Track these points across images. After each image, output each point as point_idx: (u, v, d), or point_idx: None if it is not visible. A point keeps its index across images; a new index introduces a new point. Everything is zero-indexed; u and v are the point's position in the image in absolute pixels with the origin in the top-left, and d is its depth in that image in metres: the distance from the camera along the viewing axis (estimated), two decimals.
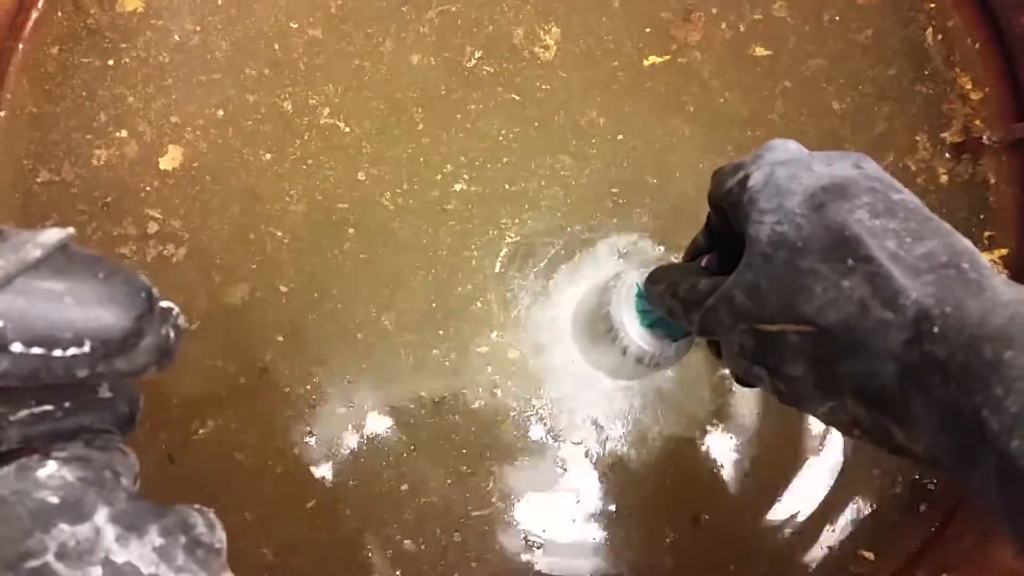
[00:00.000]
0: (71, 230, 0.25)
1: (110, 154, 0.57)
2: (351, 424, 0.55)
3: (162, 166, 0.57)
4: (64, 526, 0.24)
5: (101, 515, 0.24)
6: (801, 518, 0.56)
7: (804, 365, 0.33)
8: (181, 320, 0.28)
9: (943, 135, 0.61)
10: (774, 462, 0.56)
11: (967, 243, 0.32)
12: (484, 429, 0.56)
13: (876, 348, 0.30)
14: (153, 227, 0.56)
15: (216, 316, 0.55)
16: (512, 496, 0.55)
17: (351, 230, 0.57)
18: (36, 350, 0.23)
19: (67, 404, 0.27)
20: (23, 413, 0.26)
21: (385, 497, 0.54)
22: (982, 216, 0.60)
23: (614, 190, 0.59)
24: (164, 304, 0.28)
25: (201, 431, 0.54)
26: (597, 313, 0.51)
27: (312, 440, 0.54)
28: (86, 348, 0.24)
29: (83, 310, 0.24)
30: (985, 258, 0.31)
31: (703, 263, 0.43)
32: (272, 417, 0.54)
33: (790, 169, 0.36)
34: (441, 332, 0.56)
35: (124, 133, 0.58)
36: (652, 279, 0.45)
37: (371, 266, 0.57)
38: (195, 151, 0.57)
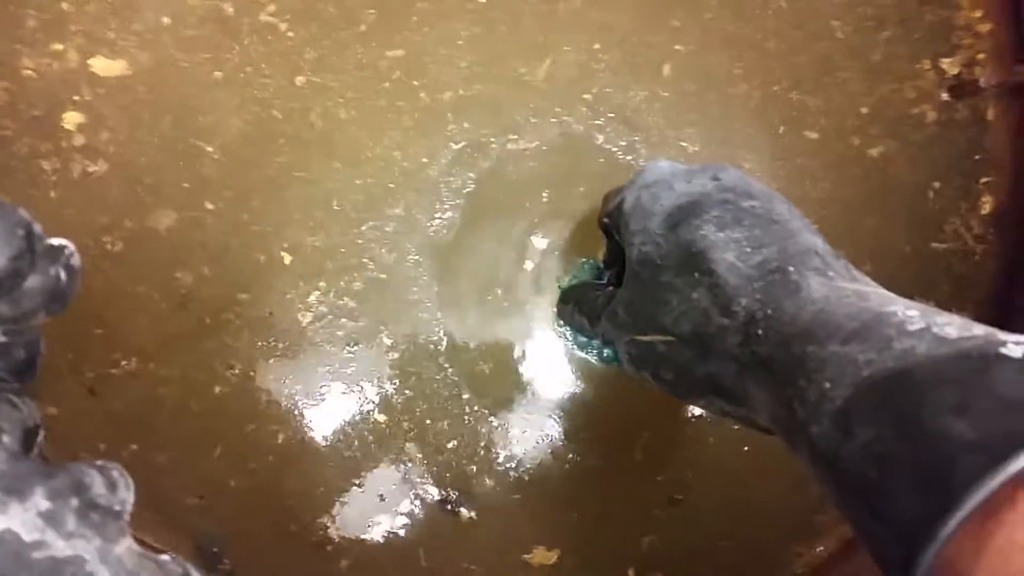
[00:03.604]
0: None
1: (39, 64, 0.52)
2: (273, 360, 0.52)
3: (95, 76, 0.53)
4: None
5: None
6: (777, 494, 0.55)
7: (673, 370, 0.36)
8: (75, 260, 0.25)
9: (945, 67, 0.57)
10: (748, 438, 0.55)
11: (810, 242, 0.35)
12: (419, 375, 0.54)
13: (719, 351, 0.34)
14: (79, 140, 0.52)
15: (140, 238, 0.51)
16: (459, 462, 0.54)
17: (286, 144, 0.53)
18: None
19: None
20: None
21: (307, 441, 0.53)
22: (978, 156, 0.57)
23: (586, 96, 0.55)
24: (54, 242, 0.24)
25: (123, 363, 0.51)
26: None
27: (235, 376, 0.52)
28: None
29: None
30: (828, 253, 0.35)
31: (606, 279, 0.48)
32: (195, 349, 0.52)
33: (653, 190, 0.39)
34: (369, 261, 0.53)
35: (55, 42, 0.53)
36: (562, 299, 0.50)
37: (305, 185, 0.53)
38: (129, 59, 0.53)
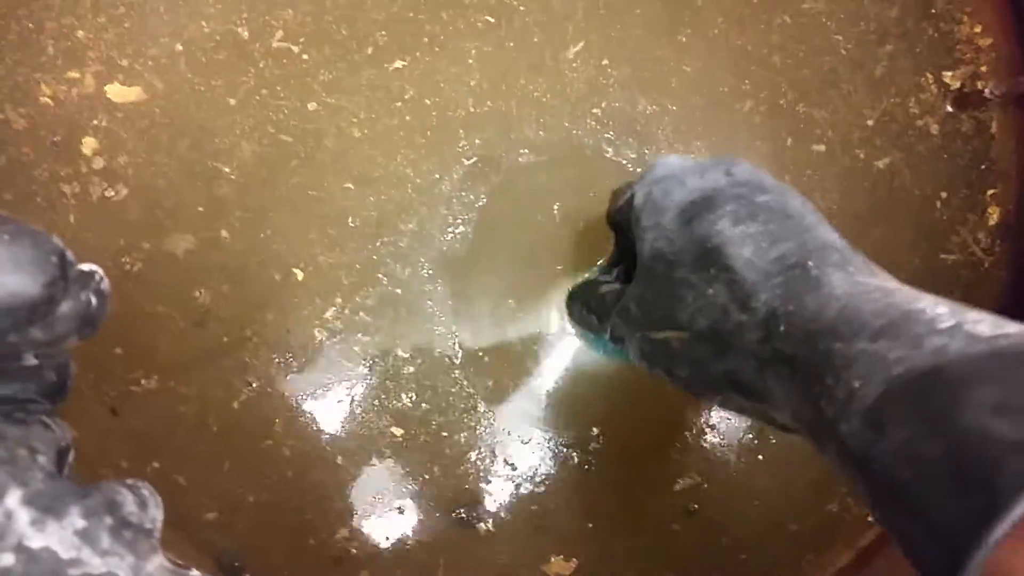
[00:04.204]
0: None
1: (58, 90, 0.54)
2: (290, 376, 0.53)
3: (112, 101, 0.54)
4: None
5: (13, 497, 0.22)
6: (792, 504, 0.55)
7: (688, 367, 0.36)
8: (105, 285, 0.26)
9: (947, 80, 0.57)
10: (763, 448, 0.55)
11: (827, 237, 0.34)
12: (434, 388, 0.54)
13: (738, 348, 0.33)
14: (98, 164, 0.53)
15: (159, 259, 0.52)
16: (476, 475, 0.54)
17: (301, 165, 0.54)
18: None
19: None
20: None
21: (324, 456, 0.53)
22: (983, 167, 0.57)
23: (595, 111, 0.56)
24: (84, 268, 0.25)
25: (144, 381, 0.52)
26: None
27: (253, 393, 0.53)
28: None
29: None
30: (846, 248, 0.34)
31: (614, 275, 0.47)
32: (214, 367, 0.52)
33: (665, 186, 0.38)
34: (384, 276, 0.54)
35: (73, 68, 0.54)
36: (570, 297, 0.48)
37: (320, 204, 0.54)
38: (146, 85, 0.54)
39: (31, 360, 0.26)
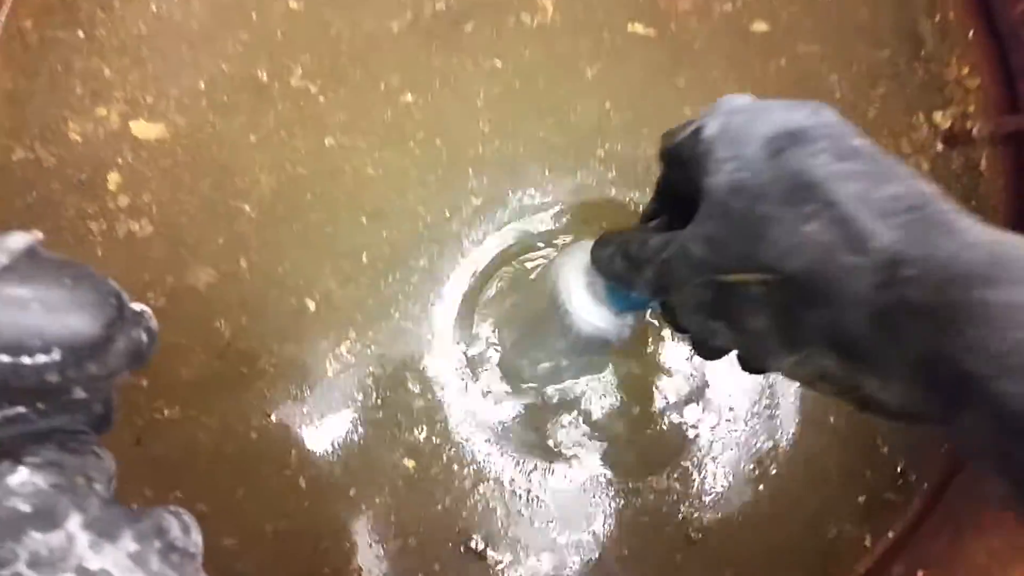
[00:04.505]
0: (38, 234, 0.24)
1: (85, 129, 0.56)
2: (306, 408, 0.55)
3: (137, 139, 0.56)
4: (36, 534, 0.24)
5: (74, 522, 0.24)
6: (791, 536, 0.57)
7: (767, 316, 0.32)
8: (153, 323, 0.27)
9: (937, 120, 0.60)
10: (764, 478, 0.57)
11: (931, 186, 0.31)
12: (445, 421, 0.56)
13: (845, 294, 0.30)
14: (124, 201, 0.55)
15: (182, 293, 0.54)
16: (485, 505, 0.56)
17: (316, 201, 0.56)
18: (4, 358, 0.23)
19: (40, 406, 0.26)
20: None
21: (339, 486, 0.55)
22: (973, 203, 0.59)
23: (599, 152, 0.58)
24: (136, 307, 0.27)
25: (166, 411, 0.53)
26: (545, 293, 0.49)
27: (271, 424, 0.54)
28: (55, 355, 0.24)
29: (51, 317, 0.23)
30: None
31: (651, 227, 0.42)
32: (233, 398, 0.54)
33: (747, 116, 0.35)
34: (395, 311, 0.56)
35: (100, 107, 0.56)
36: (600, 243, 0.43)
37: (335, 240, 0.56)
38: (169, 124, 0.56)
39: (80, 394, 0.28)
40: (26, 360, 0.23)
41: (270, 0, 0.57)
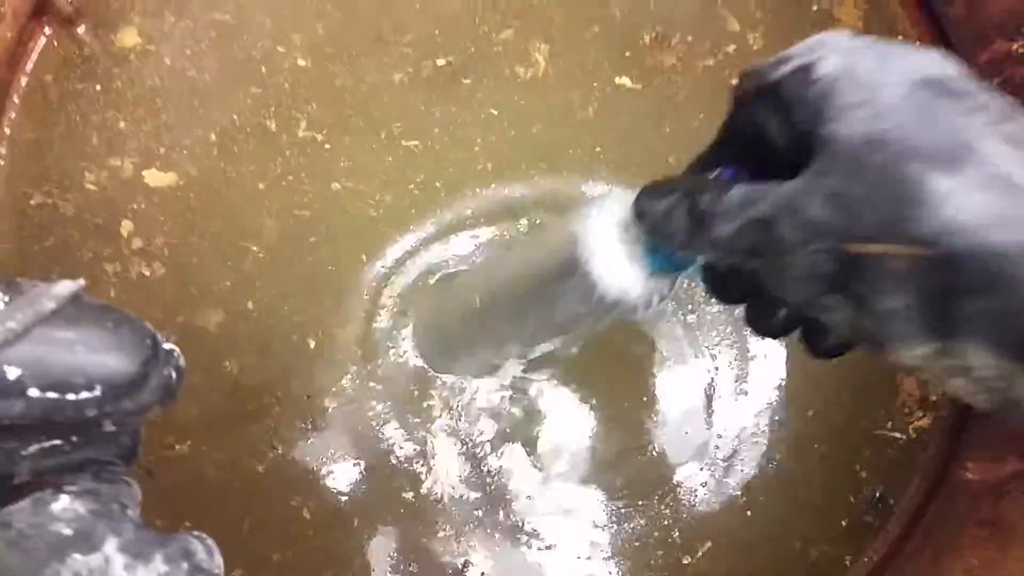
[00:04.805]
0: (81, 282, 0.27)
1: (101, 177, 0.59)
2: (311, 441, 0.57)
3: (150, 186, 0.59)
4: (77, 556, 0.26)
5: (110, 545, 0.26)
6: (779, 562, 0.59)
7: (908, 297, 0.27)
8: (182, 361, 0.30)
9: None
10: (752, 505, 0.59)
11: None
12: (445, 451, 0.58)
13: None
14: (137, 244, 0.58)
15: (192, 332, 0.57)
16: (484, 533, 0.58)
17: (321, 242, 0.59)
18: (51, 394, 0.25)
19: (74, 439, 0.29)
20: (34, 448, 0.28)
21: (343, 517, 0.57)
22: None
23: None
24: (167, 347, 0.30)
25: (177, 447, 0.56)
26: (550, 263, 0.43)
27: (277, 457, 0.57)
28: (96, 392, 0.26)
29: (94, 357, 0.26)
30: None
31: (726, 175, 0.36)
32: (241, 432, 0.56)
33: (876, 56, 0.30)
34: (392, 345, 0.59)
35: (115, 156, 0.59)
36: (651, 193, 0.36)
37: (338, 279, 0.59)
38: (182, 172, 0.59)
39: (110, 427, 0.30)
40: (70, 396, 0.26)
41: (278, 55, 0.60)
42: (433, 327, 0.59)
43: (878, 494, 0.58)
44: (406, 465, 0.57)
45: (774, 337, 0.36)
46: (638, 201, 0.36)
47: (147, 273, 0.57)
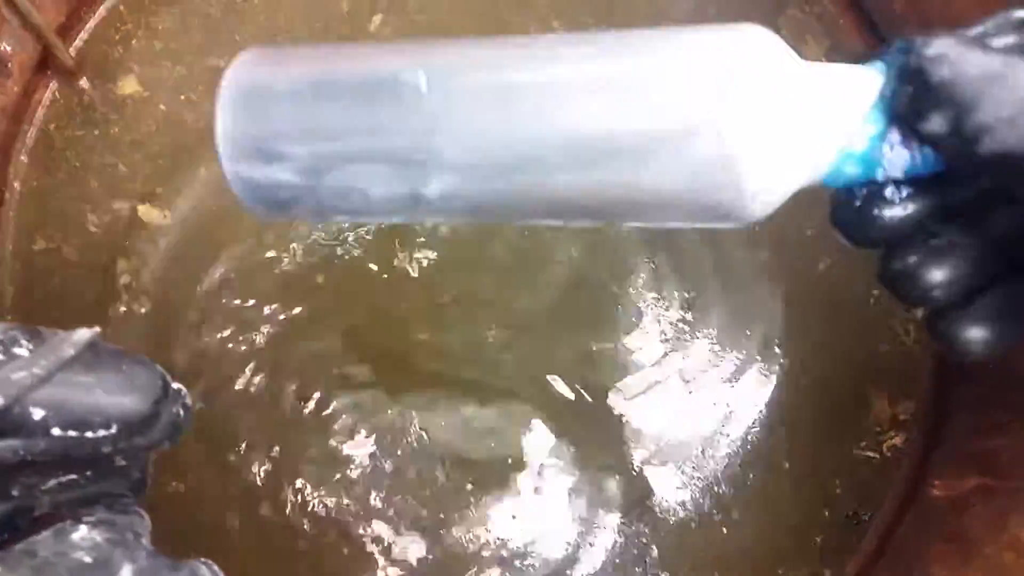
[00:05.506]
0: (97, 329, 0.29)
1: (101, 220, 0.61)
2: (304, 480, 0.59)
3: (148, 228, 0.61)
4: None
5: (126, 571, 0.28)
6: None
7: None
8: (188, 400, 0.32)
9: None
10: (725, 520, 0.61)
11: None
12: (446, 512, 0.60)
13: None
14: (129, 281, 0.61)
15: (180, 368, 0.59)
16: (483, 563, 0.59)
17: (322, 280, 0.61)
18: (71, 433, 0.28)
19: (89, 473, 0.31)
20: (52, 483, 0.30)
21: (333, 547, 0.58)
22: None
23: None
24: (175, 386, 0.32)
25: (173, 483, 0.57)
26: None
27: (276, 498, 0.58)
28: (113, 430, 0.28)
29: (110, 398, 0.28)
30: None
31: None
32: (234, 472, 0.58)
33: None
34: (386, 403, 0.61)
35: (115, 199, 0.62)
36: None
37: (330, 331, 0.61)
38: (175, 211, 0.62)
39: (121, 462, 0.33)
40: (89, 434, 0.28)
41: None
42: None
43: (853, 509, 0.60)
44: (413, 517, 0.59)
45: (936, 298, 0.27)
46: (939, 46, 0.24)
47: (143, 310, 0.60)
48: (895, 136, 0.26)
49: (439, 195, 0.29)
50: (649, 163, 0.26)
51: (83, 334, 0.29)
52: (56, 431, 0.27)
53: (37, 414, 0.27)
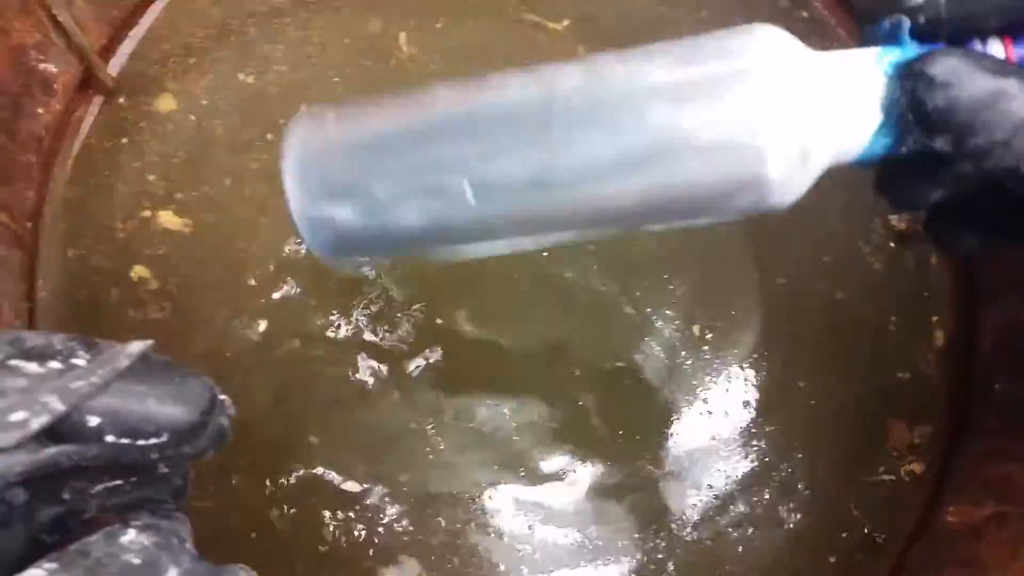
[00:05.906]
0: (151, 342, 0.30)
1: (129, 227, 0.62)
2: (325, 489, 0.59)
3: (173, 235, 0.63)
4: None
5: (172, 573, 0.29)
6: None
7: None
8: (232, 410, 0.33)
9: (893, 223, 0.67)
10: (733, 530, 0.61)
11: None
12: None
13: None
14: (153, 286, 0.62)
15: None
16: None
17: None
18: (124, 440, 0.29)
19: (134, 479, 0.32)
20: (99, 487, 0.31)
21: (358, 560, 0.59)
22: (926, 294, 0.66)
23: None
24: (221, 397, 0.33)
25: (199, 503, 0.58)
26: None
27: (294, 509, 0.59)
28: (163, 438, 0.29)
29: (162, 407, 0.29)
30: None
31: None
32: (257, 484, 0.59)
33: None
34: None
35: (143, 207, 0.63)
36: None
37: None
38: (199, 219, 0.63)
39: (163, 469, 0.34)
40: (140, 442, 0.29)
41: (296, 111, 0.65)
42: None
43: (867, 530, 0.61)
44: (428, 512, 0.60)
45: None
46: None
47: (166, 316, 0.61)
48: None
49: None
50: (691, 161, 0.28)
51: (137, 346, 0.30)
52: (110, 438, 0.28)
53: (93, 421, 0.28)
